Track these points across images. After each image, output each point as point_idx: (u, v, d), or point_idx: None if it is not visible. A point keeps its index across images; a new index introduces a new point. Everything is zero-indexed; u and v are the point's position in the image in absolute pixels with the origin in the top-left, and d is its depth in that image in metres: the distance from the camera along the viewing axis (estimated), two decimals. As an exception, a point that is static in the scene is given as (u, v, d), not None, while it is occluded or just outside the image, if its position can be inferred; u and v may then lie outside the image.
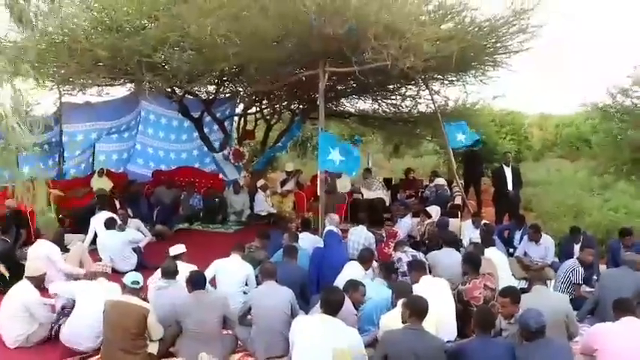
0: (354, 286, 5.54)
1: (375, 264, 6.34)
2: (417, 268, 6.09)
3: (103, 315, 5.25)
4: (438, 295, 5.62)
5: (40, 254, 7.29)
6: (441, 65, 8.44)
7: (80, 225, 9.51)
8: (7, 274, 7.20)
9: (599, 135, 13.66)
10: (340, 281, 6.06)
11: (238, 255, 6.70)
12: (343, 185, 12.21)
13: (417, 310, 4.53)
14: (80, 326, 5.59)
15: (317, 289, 6.43)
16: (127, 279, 5.46)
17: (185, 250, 6.80)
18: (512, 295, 5.18)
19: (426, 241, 8.80)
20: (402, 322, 4.62)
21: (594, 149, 14.67)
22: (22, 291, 5.87)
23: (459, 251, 7.27)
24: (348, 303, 5.16)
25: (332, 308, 4.67)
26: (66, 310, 5.96)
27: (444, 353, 4.64)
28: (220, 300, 5.53)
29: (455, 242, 7.37)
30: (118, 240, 8.32)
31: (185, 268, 6.08)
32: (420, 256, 7.10)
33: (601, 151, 12.90)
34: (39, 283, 6.04)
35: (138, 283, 5.42)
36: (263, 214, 11.92)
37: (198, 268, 6.29)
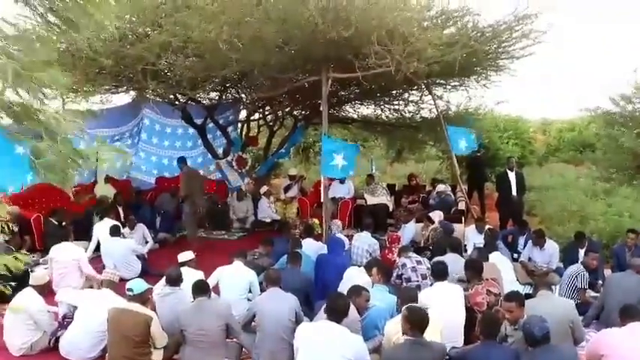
0: (357, 291, 5.50)
1: (374, 270, 6.30)
2: (436, 275, 6.05)
3: (107, 323, 5.25)
4: (447, 300, 5.63)
5: (70, 258, 7.44)
6: (443, 70, 8.44)
7: (81, 232, 9.54)
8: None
9: (602, 141, 13.64)
10: (344, 287, 6.05)
11: (241, 261, 6.71)
12: (346, 191, 12.22)
13: (415, 322, 4.50)
14: (79, 336, 5.61)
15: (321, 296, 6.42)
16: (127, 286, 5.48)
17: (193, 256, 6.81)
18: (518, 299, 5.18)
19: (430, 247, 8.78)
20: (402, 334, 4.60)
21: (596, 155, 14.65)
22: (26, 299, 5.88)
23: (462, 256, 7.26)
24: (352, 309, 5.15)
25: (337, 315, 4.65)
26: (65, 321, 5.98)
27: (448, 359, 4.65)
28: (223, 307, 5.49)
29: (458, 247, 7.35)
30: (122, 247, 8.33)
31: (193, 275, 6.07)
32: (425, 261, 7.09)
33: (603, 156, 12.88)
34: (43, 290, 6.05)
35: (131, 290, 5.41)
36: (267, 220, 11.92)
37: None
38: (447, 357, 4.92)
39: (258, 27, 6.94)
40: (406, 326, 4.53)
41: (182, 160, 10.58)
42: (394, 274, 7.03)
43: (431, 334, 4.57)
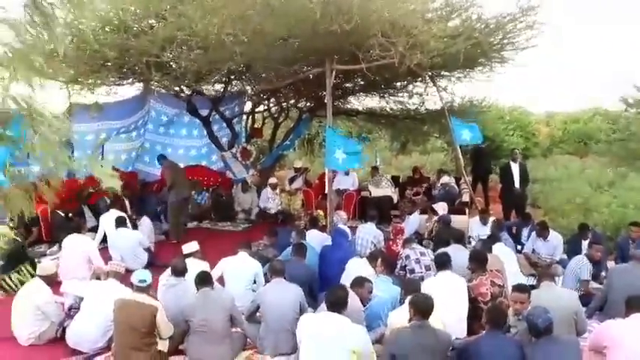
0: (360, 282, 5.53)
1: (378, 261, 6.33)
2: (439, 264, 6.06)
3: (113, 313, 5.30)
4: (451, 292, 5.64)
5: (81, 250, 7.44)
6: (448, 62, 8.43)
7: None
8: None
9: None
10: (347, 278, 6.08)
11: (245, 252, 6.74)
12: (351, 183, 12.25)
13: (421, 308, 4.55)
14: (85, 326, 5.65)
15: (325, 287, 6.47)
16: (134, 277, 5.50)
17: (198, 247, 6.84)
18: (529, 290, 5.26)
19: (433, 238, 8.80)
20: (409, 320, 4.64)
21: (601, 146, 14.65)
22: (34, 290, 5.93)
23: (466, 248, 7.29)
24: (355, 299, 5.18)
25: (336, 305, 4.68)
26: (72, 312, 6.03)
27: (451, 350, 4.68)
28: (226, 299, 5.52)
29: (461, 239, 7.36)
30: (131, 239, 8.38)
31: (198, 266, 6.11)
32: (428, 253, 7.12)
33: (615, 143, 12.88)
34: (51, 281, 6.09)
35: (145, 281, 5.43)
36: (272, 211, 11.96)
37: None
38: (451, 348, 4.96)
39: (260, 20, 6.95)
40: (411, 312, 4.59)
41: (162, 157, 11.06)
42: (398, 266, 7.07)
43: (433, 323, 4.60)
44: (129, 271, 6.34)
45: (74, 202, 10.17)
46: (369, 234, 8.35)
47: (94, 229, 9.25)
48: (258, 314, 5.64)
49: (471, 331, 5.61)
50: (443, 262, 6.00)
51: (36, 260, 7.84)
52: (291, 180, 13.04)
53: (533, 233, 8.64)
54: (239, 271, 6.56)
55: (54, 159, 3.70)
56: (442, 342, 4.51)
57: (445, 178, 12.14)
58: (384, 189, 11.88)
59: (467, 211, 10.68)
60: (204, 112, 12.10)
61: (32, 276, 6.64)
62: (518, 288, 5.33)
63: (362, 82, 12.01)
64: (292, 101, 14.13)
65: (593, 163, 16.98)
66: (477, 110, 12.71)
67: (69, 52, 7.96)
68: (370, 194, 11.97)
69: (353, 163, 8.78)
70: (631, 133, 12.00)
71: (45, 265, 6.28)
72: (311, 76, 9.26)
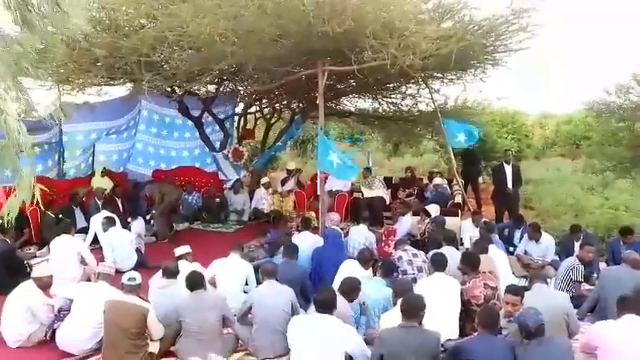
0: (353, 289, 5.48)
1: (370, 262, 6.31)
2: (436, 264, 6.04)
3: (103, 315, 5.25)
4: (444, 293, 5.63)
5: (71, 251, 7.36)
6: (440, 64, 8.42)
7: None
8: None
9: (599, 133, 13.67)
10: (339, 280, 6.05)
11: (237, 254, 6.72)
12: (343, 184, 12.23)
13: (409, 308, 4.54)
14: (75, 328, 5.60)
15: (319, 287, 6.44)
16: (124, 277, 5.51)
17: (189, 250, 6.81)
18: (522, 293, 5.26)
19: (426, 240, 8.79)
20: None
21: (592, 147, 14.69)
22: (26, 292, 5.86)
23: (458, 249, 7.27)
24: (344, 304, 5.15)
25: (325, 307, 4.68)
26: (62, 314, 5.96)
27: (443, 351, 4.66)
28: (219, 299, 5.53)
29: (453, 240, 7.35)
30: (121, 238, 8.33)
31: (189, 268, 6.08)
32: (421, 254, 7.10)
33: (599, 149, 12.92)
34: (45, 285, 6.01)
35: (134, 279, 5.44)
36: (265, 211, 11.93)
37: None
38: (443, 349, 4.94)
39: (253, 20, 6.92)
40: (400, 312, 4.58)
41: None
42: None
43: (428, 324, 4.58)
44: (119, 273, 6.29)
45: (65, 202, 10.09)
46: (360, 236, 8.33)
47: (85, 231, 9.18)
48: (250, 316, 5.61)
49: (463, 332, 5.60)
50: (439, 263, 5.99)
51: (25, 262, 7.80)
52: (283, 181, 13.03)
53: (526, 235, 8.64)
54: (231, 272, 6.55)
55: (12, 169, 3.67)
56: (430, 342, 4.48)
57: (437, 180, 12.14)
58: (377, 190, 11.86)
59: (459, 212, 10.68)
60: (195, 113, 12.06)
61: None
62: (511, 290, 5.32)
63: (354, 84, 11.99)
64: (284, 102, 14.10)
65: (585, 165, 17.04)
66: (469, 112, 12.71)
67: (58, 51, 7.96)
68: (362, 195, 11.95)
69: (347, 176, 8.71)
70: (614, 136, 12.05)
71: (40, 269, 6.19)
72: (303, 77, 9.22)
